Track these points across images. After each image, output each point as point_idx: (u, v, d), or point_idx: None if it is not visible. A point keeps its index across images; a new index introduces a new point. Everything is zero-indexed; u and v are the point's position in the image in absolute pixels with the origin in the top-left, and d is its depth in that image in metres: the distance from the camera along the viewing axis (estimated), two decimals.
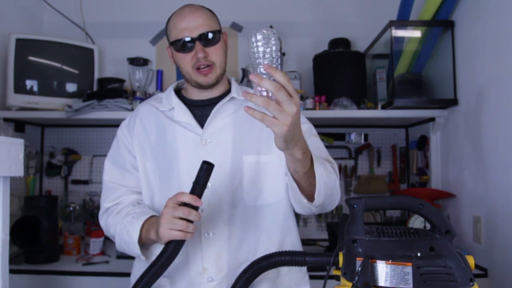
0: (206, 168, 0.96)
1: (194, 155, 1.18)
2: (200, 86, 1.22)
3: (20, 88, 2.15)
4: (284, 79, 0.83)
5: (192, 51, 1.17)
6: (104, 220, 1.25)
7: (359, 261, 0.71)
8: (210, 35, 1.17)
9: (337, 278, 0.77)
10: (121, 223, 1.16)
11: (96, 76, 2.36)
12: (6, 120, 2.20)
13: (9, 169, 0.80)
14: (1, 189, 0.81)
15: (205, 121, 1.22)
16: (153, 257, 1.11)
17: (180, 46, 1.17)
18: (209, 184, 1.14)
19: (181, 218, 0.98)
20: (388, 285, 0.69)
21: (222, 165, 1.17)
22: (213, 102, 1.25)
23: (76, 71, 2.32)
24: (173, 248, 0.98)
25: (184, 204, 0.98)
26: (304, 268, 1.28)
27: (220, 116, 1.22)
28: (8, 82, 2.12)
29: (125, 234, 1.14)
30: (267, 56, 0.83)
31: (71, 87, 2.28)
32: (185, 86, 1.33)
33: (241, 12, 2.57)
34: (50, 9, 2.53)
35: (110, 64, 2.58)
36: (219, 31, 1.21)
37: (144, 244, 1.14)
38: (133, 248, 1.13)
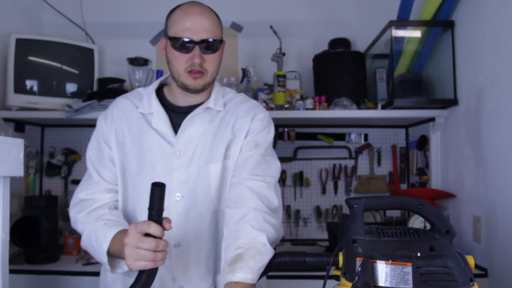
0: (159, 191, 0.87)
1: (168, 164, 1.17)
2: (186, 89, 1.19)
3: (20, 88, 2.15)
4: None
5: (190, 53, 1.14)
6: (75, 213, 1.19)
7: (359, 261, 0.71)
8: (212, 43, 1.15)
9: (337, 278, 0.77)
10: (91, 225, 1.12)
11: (96, 76, 2.35)
12: (6, 120, 2.20)
13: (9, 169, 0.80)
14: (1, 189, 0.81)
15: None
16: (119, 269, 1.10)
17: (179, 45, 1.15)
18: (178, 194, 1.15)
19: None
20: (388, 285, 0.69)
21: (190, 176, 1.17)
22: (193, 109, 1.21)
23: (76, 71, 2.32)
24: (146, 278, 0.91)
25: (149, 234, 0.91)
26: None
27: (193, 125, 1.19)
28: (8, 82, 2.12)
29: (93, 239, 1.09)
30: None
31: (71, 87, 2.28)
32: (169, 82, 1.28)
33: (241, 12, 2.57)
34: (50, 9, 2.53)
35: (110, 64, 2.58)
36: (221, 41, 1.19)
37: (113, 254, 1.08)
38: (100, 256, 1.08)
